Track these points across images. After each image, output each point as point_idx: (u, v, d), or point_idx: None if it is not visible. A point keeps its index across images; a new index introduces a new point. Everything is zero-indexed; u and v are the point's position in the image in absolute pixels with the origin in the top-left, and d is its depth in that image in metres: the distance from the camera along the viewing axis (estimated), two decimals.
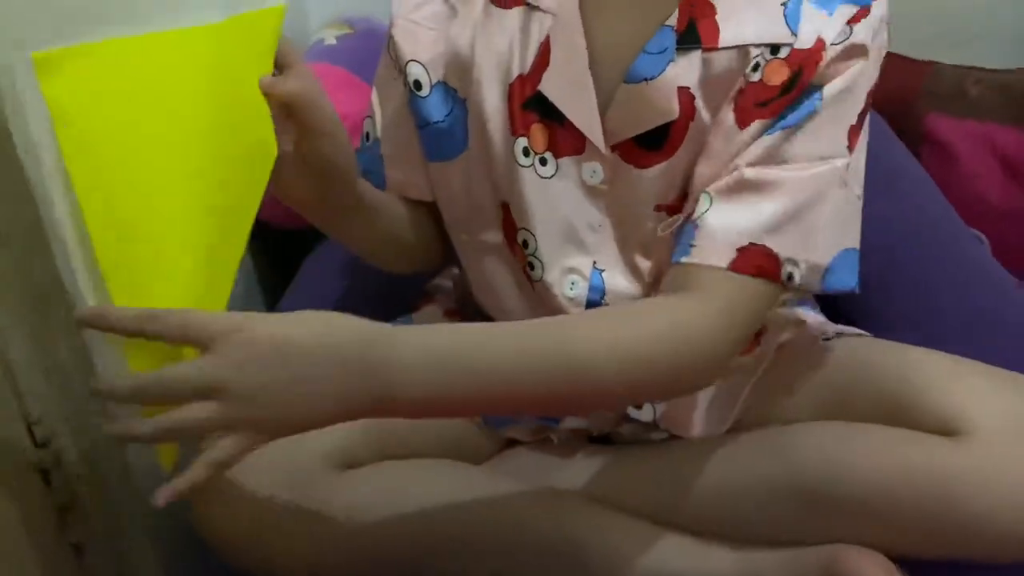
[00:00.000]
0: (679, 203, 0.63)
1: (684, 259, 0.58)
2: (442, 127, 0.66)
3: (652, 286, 0.65)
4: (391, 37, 0.67)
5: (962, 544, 0.59)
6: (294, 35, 1.17)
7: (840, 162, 0.58)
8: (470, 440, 0.73)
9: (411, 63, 0.66)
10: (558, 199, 0.64)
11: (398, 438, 0.68)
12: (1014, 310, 0.82)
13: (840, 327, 0.73)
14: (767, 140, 0.58)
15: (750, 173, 0.58)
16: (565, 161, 0.63)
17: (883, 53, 0.61)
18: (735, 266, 0.57)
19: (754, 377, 0.69)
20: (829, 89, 0.58)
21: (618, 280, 0.65)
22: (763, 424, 0.68)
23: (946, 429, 0.60)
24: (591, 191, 0.64)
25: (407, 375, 0.49)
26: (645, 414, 0.70)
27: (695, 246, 0.58)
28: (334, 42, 1.08)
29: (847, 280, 0.61)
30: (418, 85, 0.66)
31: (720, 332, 0.56)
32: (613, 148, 0.62)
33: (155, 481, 0.75)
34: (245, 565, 0.63)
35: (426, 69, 0.66)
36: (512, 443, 0.75)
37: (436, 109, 0.66)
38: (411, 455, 0.68)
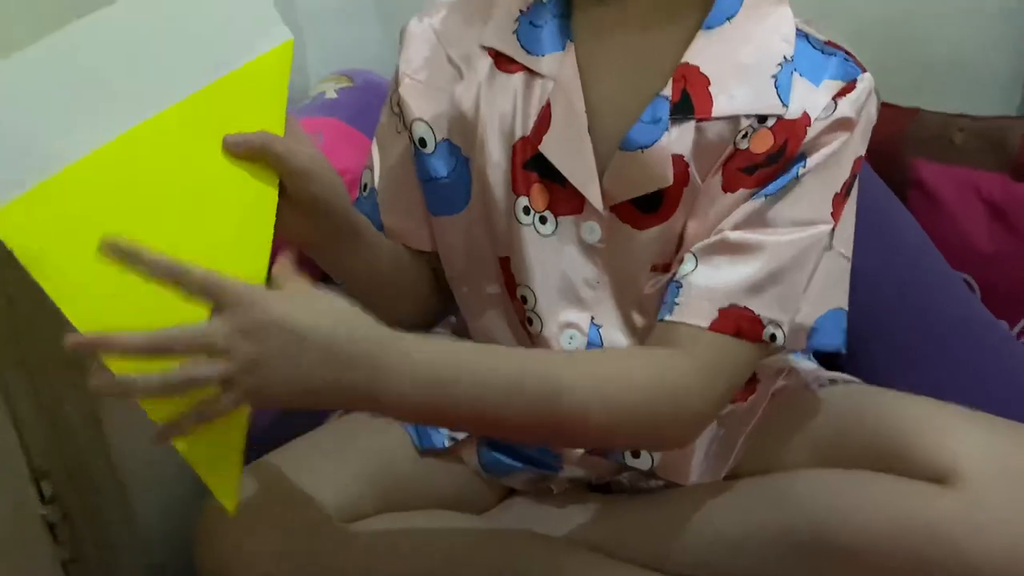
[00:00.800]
0: (674, 263, 0.64)
1: (668, 317, 0.60)
2: (446, 183, 0.68)
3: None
4: (399, 95, 0.68)
5: None
6: (294, 87, 1.18)
7: (823, 228, 0.60)
8: (472, 490, 0.73)
9: (417, 121, 0.67)
10: (557, 256, 0.65)
11: (402, 490, 0.69)
12: (1004, 357, 0.83)
13: (833, 374, 0.75)
14: (750, 205, 0.60)
15: (733, 236, 0.59)
16: (564, 220, 0.65)
17: (871, 125, 0.63)
18: (716, 326, 0.58)
19: (749, 425, 0.70)
20: (813, 159, 0.60)
21: (615, 336, 0.67)
22: (758, 471, 0.69)
23: (938, 476, 0.61)
24: (589, 249, 0.65)
25: (401, 386, 0.51)
26: (643, 462, 0.71)
27: (679, 304, 0.59)
28: (335, 95, 1.10)
29: (833, 339, 0.62)
30: (423, 143, 0.68)
31: (703, 389, 0.58)
32: (611, 209, 0.63)
33: (160, 536, 0.76)
34: None
35: (431, 128, 0.67)
36: (513, 492, 0.76)
37: (440, 166, 0.68)
38: (414, 507, 0.69)
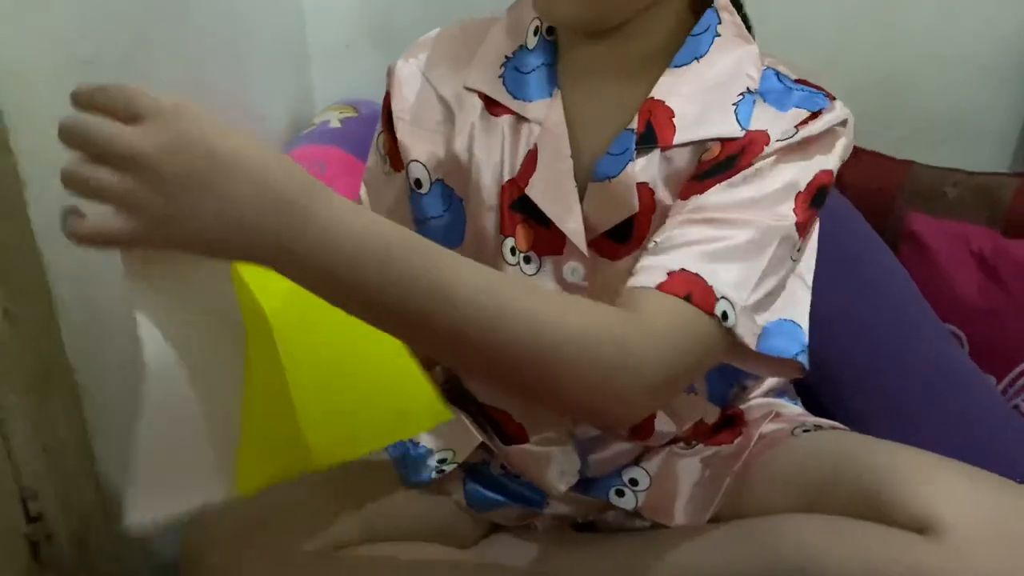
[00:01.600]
0: None
1: (624, 287, 0.58)
2: (440, 223, 0.69)
3: None
4: (397, 137, 0.69)
5: None
6: (300, 116, 1.21)
7: (784, 223, 0.59)
8: (456, 524, 0.74)
9: (413, 163, 0.69)
10: None
11: (387, 522, 0.69)
12: (991, 412, 0.84)
13: (819, 420, 0.75)
14: (708, 195, 0.59)
15: (692, 215, 0.59)
16: (547, 260, 0.66)
17: (847, 148, 0.63)
18: (665, 287, 0.55)
19: (735, 468, 0.71)
20: (771, 157, 0.60)
21: None
22: (743, 515, 0.69)
23: (920, 526, 0.61)
24: (571, 288, 0.66)
25: (327, 241, 0.45)
26: (627, 502, 0.71)
27: (633, 275, 0.58)
28: (338, 125, 1.11)
29: (786, 347, 0.60)
30: (419, 183, 0.69)
31: (654, 350, 0.53)
32: (589, 245, 0.64)
33: (144, 560, 0.76)
34: None
35: (426, 168, 0.69)
36: (497, 528, 0.76)
37: (434, 205, 0.69)
38: (399, 539, 0.69)
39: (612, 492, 0.72)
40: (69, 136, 0.43)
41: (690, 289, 0.55)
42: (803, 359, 0.60)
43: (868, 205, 1.02)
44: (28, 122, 0.60)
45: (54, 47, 0.63)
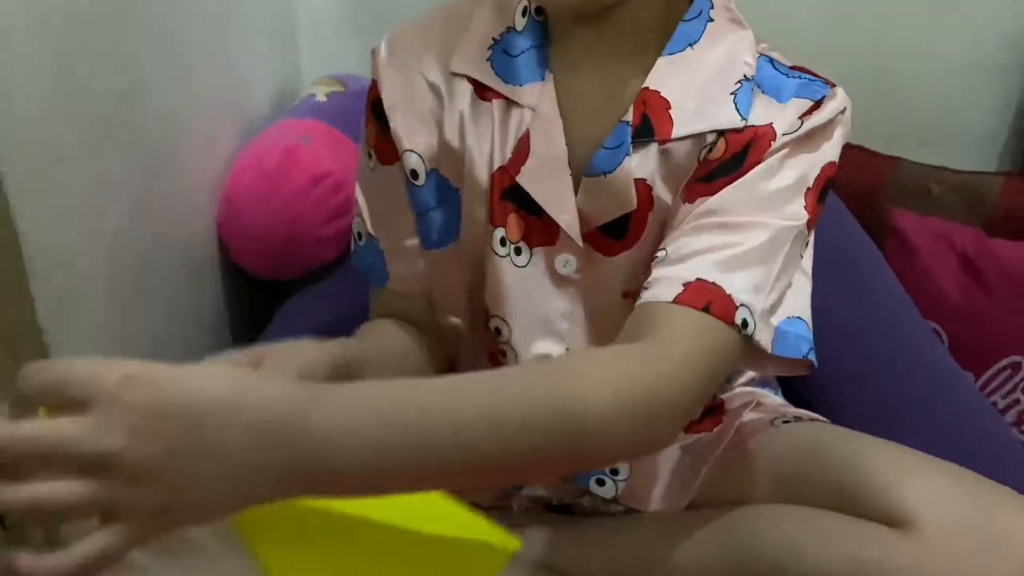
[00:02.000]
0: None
1: (639, 302, 0.57)
2: (436, 216, 0.68)
3: None
4: (382, 128, 0.67)
5: None
6: (285, 87, 1.19)
7: (796, 223, 0.58)
8: None
9: (408, 153, 0.67)
10: (532, 287, 0.65)
11: None
12: (971, 409, 0.84)
13: (800, 411, 0.75)
14: (717, 197, 0.58)
15: (703, 221, 0.58)
16: (538, 251, 0.65)
17: (845, 136, 0.62)
18: (681, 298, 0.54)
19: (714, 455, 0.70)
20: (780, 152, 0.59)
21: None
22: (719, 503, 0.69)
23: (896, 521, 0.61)
24: (563, 280, 0.65)
25: (340, 445, 0.41)
26: (607, 490, 0.71)
27: (647, 288, 0.57)
28: (324, 99, 1.10)
29: (796, 346, 0.60)
30: (415, 175, 0.67)
31: (684, 382, 0.52)
32: (583, 238, 0.63)
33: None
34: None
35: (422, 159, 0.67)
36: (473, 508, 0.76)
37: (430, 197, 0.67)
38: None
39: (593, 481, 0.71)
40: (6, 455, 0.36)
41: (708, 299, 0.54)
42: (812, 356, 0.60)
43: (853, 201, 1.03)
44: (2, 84, 0.58)
45: (30, 7, 0.62)
